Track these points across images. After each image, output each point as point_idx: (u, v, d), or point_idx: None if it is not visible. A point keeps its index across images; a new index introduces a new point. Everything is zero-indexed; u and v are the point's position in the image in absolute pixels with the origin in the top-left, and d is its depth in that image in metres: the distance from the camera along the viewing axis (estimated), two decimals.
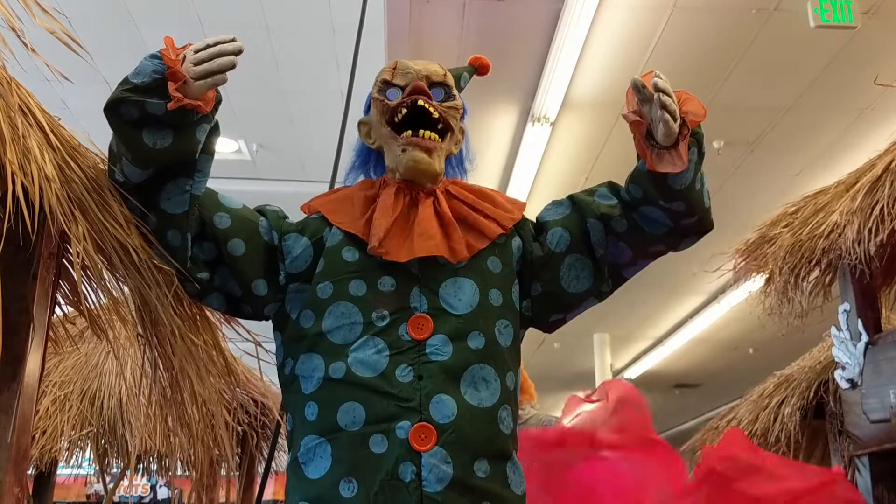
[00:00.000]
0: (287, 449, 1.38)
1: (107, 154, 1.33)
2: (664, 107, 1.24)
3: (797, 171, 5.88)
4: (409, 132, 1.37)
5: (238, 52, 1.22)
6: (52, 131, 1.28)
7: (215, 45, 1.22)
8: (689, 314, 9.30)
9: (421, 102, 1.36)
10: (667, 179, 1.32)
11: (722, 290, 7.85)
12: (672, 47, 4.46)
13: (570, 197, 1.47)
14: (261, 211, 1.42)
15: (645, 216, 1.40)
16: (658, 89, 1.24)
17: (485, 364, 1.29)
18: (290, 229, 1.39)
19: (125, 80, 1.22)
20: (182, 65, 1.21)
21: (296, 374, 1.32)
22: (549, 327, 1.47)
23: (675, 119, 1.25)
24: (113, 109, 1.22)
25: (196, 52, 1.22)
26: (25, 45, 1.21)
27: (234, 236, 1.34)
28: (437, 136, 1.38)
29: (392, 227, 1.33)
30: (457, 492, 1.20)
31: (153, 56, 1.22)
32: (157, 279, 1.29)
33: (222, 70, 1.21)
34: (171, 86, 1.19)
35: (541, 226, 1.46)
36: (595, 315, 9.14)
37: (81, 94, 5.20)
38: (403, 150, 1.36)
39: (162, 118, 1.21)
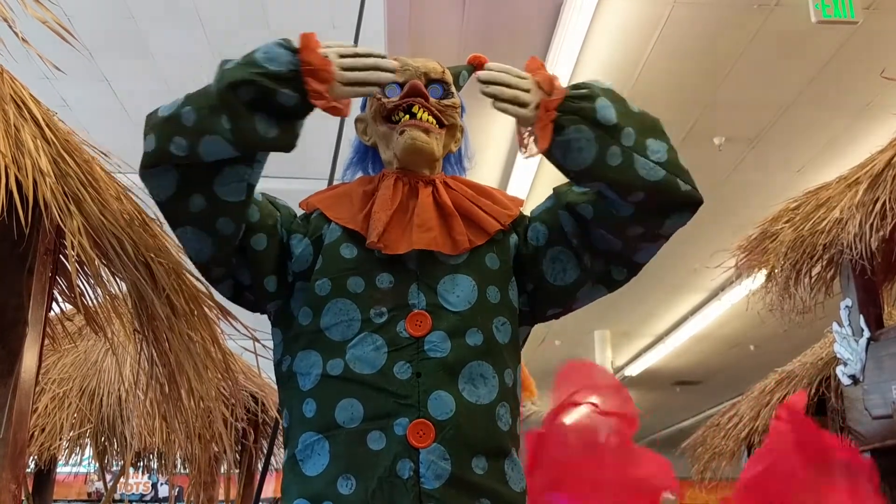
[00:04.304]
0: (284, 446, 1.37)
1: (158, 127, 1.21)
2: (494, 97, 1.23)
3: (799, 167, 5.87)
4: (407, 116, 1.37)
5: (393, 71, 1.22)
6: (48, 125, 1.27)
7: (366, 55, 1.22)
8: (690, 311, 9.29)
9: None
10: (561, 163, 1.28)
11: (723, 287, 7.84)
12: (673, 43, 4.45)
13: (554, 189, 1.45)
14: (273, 204, 1.40)
15: (609, 200, 1.33)
16: (481, 82, 1.23)
17: (483, 361, 1.28)
18: (297, 230, 1.38)
19: (253, 62, 1.18)
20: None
21: (293, 370, 1.31)
22: (550, 319, 1.46)
23: (520, 104, 1.24)
24: (234, 87, 1.17)
25: (342, 56, 1.21)
26: (16, 34, 1.20)
27: (259, 231, 1.33)
28: (433, 121, 1.38)
29: (391, 221, 1.32)
30: (455, 488, 1.19)
31: (282, 45, 1.20)
32: (153, 274, 1.28)
33: (378, 84, 1.21)
34: (313, 83, 1.18)
35: (529, 222, 1.45)
36: (596, 312, 9.17)
37: (81, 91, 5.22)
38: (402, 133, 1.36)
39: (282, 109, 1.19)
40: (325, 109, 1.21)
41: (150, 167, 1.23)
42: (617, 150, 1.24)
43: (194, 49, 4.87)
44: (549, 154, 1.28)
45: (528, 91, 1.26)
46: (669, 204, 1.28)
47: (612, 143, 1.23)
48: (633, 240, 1.34)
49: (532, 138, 1.24)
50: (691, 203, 1.28)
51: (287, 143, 1.24)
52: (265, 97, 1.18)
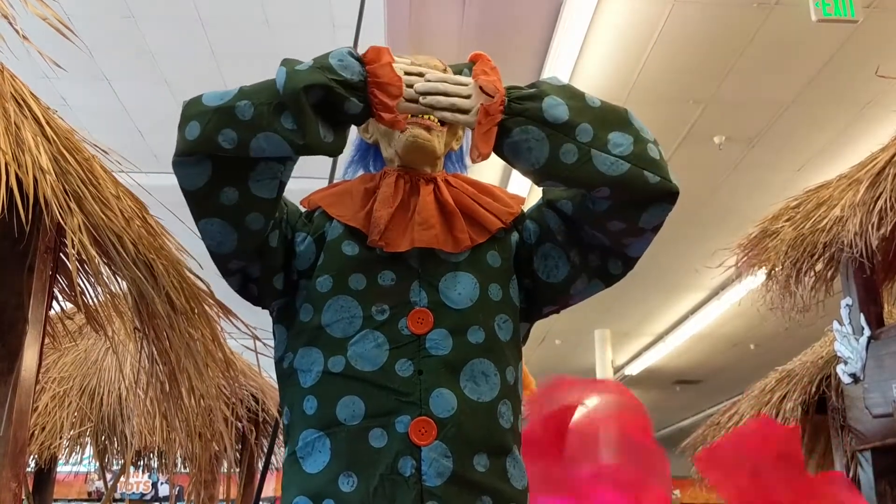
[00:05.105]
0: (284, 443, 1.37)
1: (205, 116, 1.19)
2: (431, 107, 1.24)
3: (799, 166, 5.87)
4: (409, 115, 1.36)
5: (468, 111, 1.23)
6: (48, 123, 1.27)
7: (432, 75, 1.25)
8: (690, 310, 9.29)
9: None
10: (514, 163, 1.28)
11: (723, 286, 7.85)
12: (673, 42, 4.45)
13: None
14: (283, 201, 1.40)
15: (583, 195, 1.32)
16: (419, 94, 1.23)
17: (484, 359, 1.28)
18: (301, 228, 1.38)
19: (329, 68, 1.19)
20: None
21: (294, 367, 1.31)
22: (547, 315, 1.45)
23: (459, 111, 1.24)
24: (307, 89, 1.16)
25: (407, 73, 1.24)
26: (17, 32, 1.20)
27: (275, 228, 1.33)
28: (435, 119, 1.38)
29: (392, 218, 1.32)
30: (456, 486, 1.19)
31: (352, 54, 1.21)
32: (153, 272, 1.28)
33: (449, 111, 1.23)
34: (381, 96, 1.20)
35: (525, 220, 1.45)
36: (596, 311, 9.18)
37: (81, 90, 5.22)
38: (403, 130, 1.36)
39: (342, 117, 1.21)
40: (388, 122, 1.23)
41: (188, 155, 1.22)
42: (572, 147, 1.22)
43: (194, 49, 4.88)
44: (500, 155, 1.27)
45: (468, 97, 1.25)
46: (641, 197, 1.25)
47: (565, 141, 1.22)
48: (618, 234, 1.32)
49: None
50: (666, 194, 1.25)
51: (338, 149, 1.26)
52: (331, 103, 1.19)
